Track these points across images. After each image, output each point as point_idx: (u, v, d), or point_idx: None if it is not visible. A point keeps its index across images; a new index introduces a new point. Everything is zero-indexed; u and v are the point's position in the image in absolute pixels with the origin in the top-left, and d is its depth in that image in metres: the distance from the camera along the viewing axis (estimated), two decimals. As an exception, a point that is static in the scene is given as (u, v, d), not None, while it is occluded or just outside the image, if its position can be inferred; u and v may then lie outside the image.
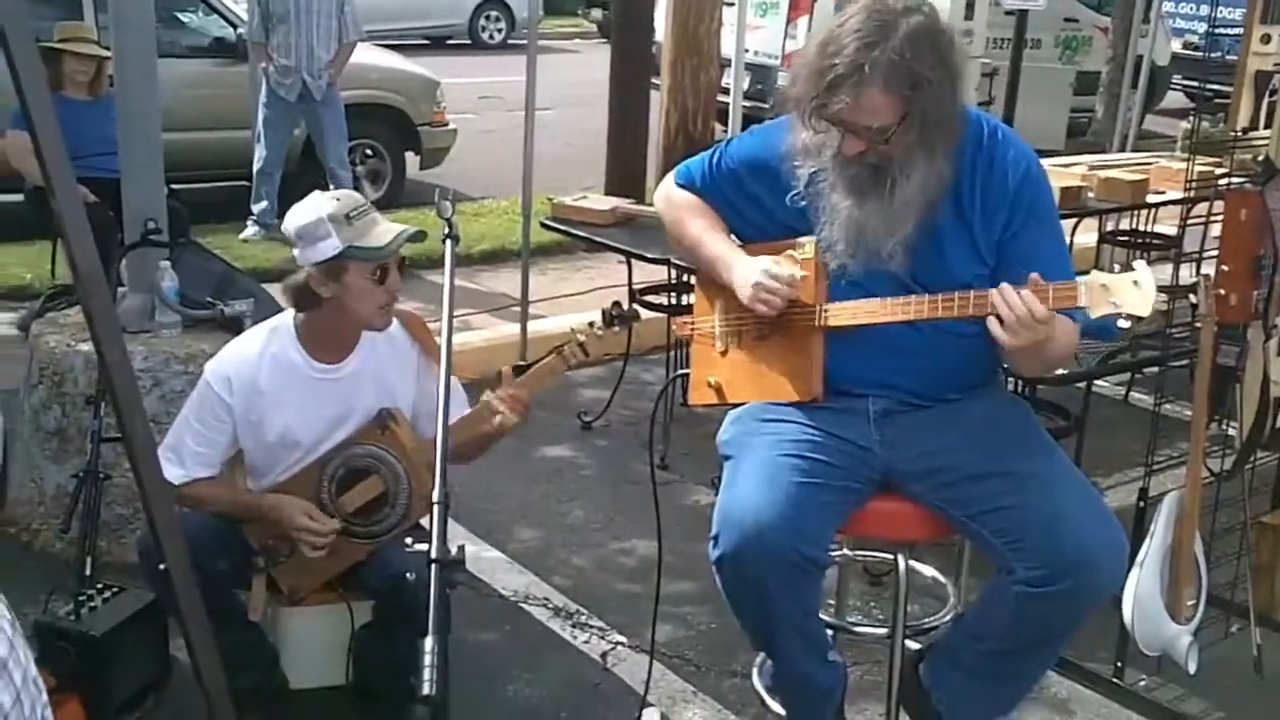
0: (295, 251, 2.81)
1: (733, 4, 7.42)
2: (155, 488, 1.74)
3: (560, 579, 3.90)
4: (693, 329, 2.71)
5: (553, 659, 3.45)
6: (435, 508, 1.82)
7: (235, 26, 8.17)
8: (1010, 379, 3.30)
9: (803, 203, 2.45)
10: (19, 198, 6.15)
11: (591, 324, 2.93)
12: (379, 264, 2.78)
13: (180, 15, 8.24)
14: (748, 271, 2.49)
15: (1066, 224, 3.65)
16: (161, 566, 1.60)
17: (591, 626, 3.62)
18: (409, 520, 2.92)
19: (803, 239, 2.50)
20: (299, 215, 2.79)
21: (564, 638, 3.56)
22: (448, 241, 2.33)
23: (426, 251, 7.22)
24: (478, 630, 3.54)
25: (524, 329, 5.62)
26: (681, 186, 2.70)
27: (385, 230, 2.81)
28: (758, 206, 2.59)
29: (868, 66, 2.22)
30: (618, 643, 3.53)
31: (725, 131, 7.44)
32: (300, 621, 3.09)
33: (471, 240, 7.59)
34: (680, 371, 2.99)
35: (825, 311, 2.47)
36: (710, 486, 4.45)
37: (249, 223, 7.57)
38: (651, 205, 5.46)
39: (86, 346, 3.76)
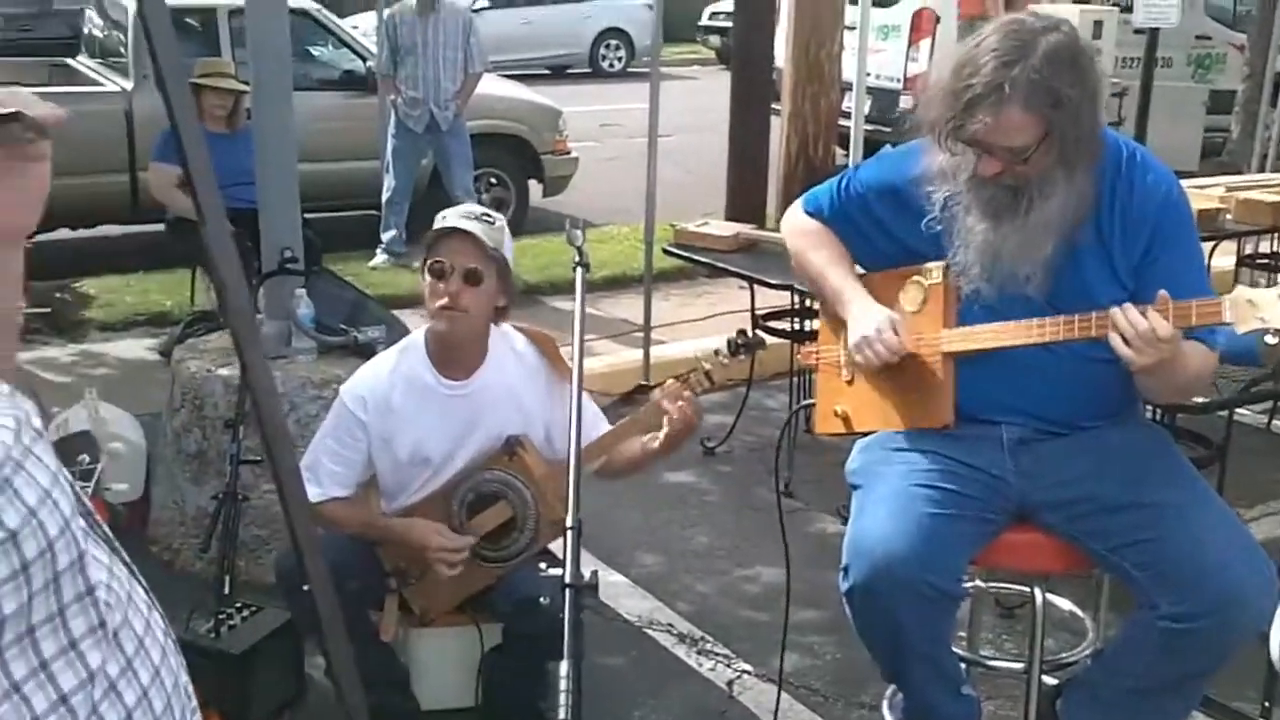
0: None
1: (854, 28, 7.40)
2: (298, 508, 1.78)
3: (684, 605, 3.89)
4: (818, 358, 2.69)
5: (678, 686, 3.45)
6: (569, 533, 1.83)
7: (365, 60, 8.39)
8: (1149, 407, 3.21)
9: (938, 227, 2.42)
10: (161, 227, 6.39)
11: (716, 352, 2.92)
12: (434, 260, 2.83)
13: (312, 49, 8.49)
14: (863, 318, 2.48)
15: (1204, 247, 3.55)
16: (305, 588, 1.62)
17: (716, 654, 3.60)
18: (537, 545, 2.95)
19: (930, 264, 2.47)
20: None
21: (689, 664, 3.55)
22: (579, 269, 2.35)
23: (551, 278, 7.36)
24: (603, 655, 3.55)
25: (646, 354, 5.64)
26: (809, 214, 2.68)
27: (438, 223, 2.87)
28: (887, 233, 2.56)
29: (1007, 85, 2.19)
30: (743, 671, 3.51)
31: (846, 156, 7.40)
32: (431, 643, 3.13)
33: (594, 266, 7.61)
34: (806, 401, 2.97)
35: (953, 337, 2.43)
36: (836, 515, 4.41)
37: (378, 251, 7.75)
38: (774, 230, 5.49)
39: (226, 372, 3.88)
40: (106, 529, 1.10)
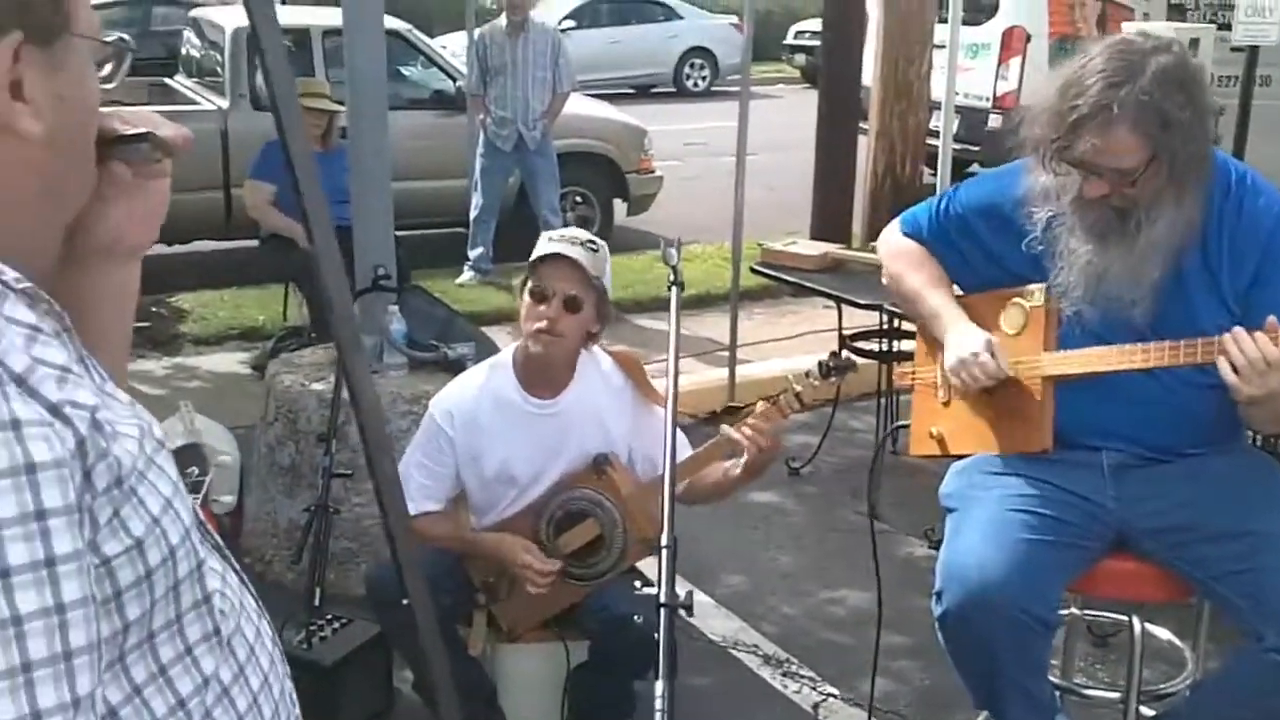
0: None
1: (943, 46, 7.34)
2: (398, 521, 1.79)
3: (769, 626, 3.87)
4: (914, 378, 2.67)
5: (764, 707, 3.42)
6: (664, 551, 1.83)
7: (455, 80, 8.49)
8: (1254, 434, 3.13)
9: (1039, 248, 2.39)
10: (254, 243, 6.52)
11: (807, 374, 2.90)
12: (536, 283, 2.85)
13: (403, 69, 8.62)
14: (961, 341, 2.45)
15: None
16: (404, 601, 1.64)
17: (802, 676, 3.57)
18: (625, 563, 2.95)
19: (1031, 286, 2.44)
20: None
21: (774, 686, 3.53)
22: (674, 288, 2.35)
23: (635, 296, 7.37)
24: (689, 675, 3.52)
25: (732, 374, 5.62)
26: (907, 235, 2.66)
27: (542, 246, 2.89)
28: (986, 254, 2.53)
29: (1115, 106, 2.15)
30: (829, 694, 3.48)
31: (933, 175, 7.34)
32: (518, 658, 3.14)
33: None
34: (899, 423, 2.94)
35: (1054, 360, 2.39)
36: (923, 538, 4.36)
37: (465, 268, 7.82)
38: (861, 250, 5.45)
39: (319, 386, 3.94)
40: (218, 538, 1.12)
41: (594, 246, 2.92)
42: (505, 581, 2.99)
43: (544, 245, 2.90)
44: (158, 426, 1.04)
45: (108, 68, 1.03)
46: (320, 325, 5.71)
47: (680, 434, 3.03)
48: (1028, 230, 2.39)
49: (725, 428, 2.82)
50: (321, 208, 1.65)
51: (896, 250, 2.68)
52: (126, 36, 1.05)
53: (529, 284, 2.87)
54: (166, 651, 0.97)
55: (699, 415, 5.30)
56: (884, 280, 2.75)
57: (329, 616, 3.26)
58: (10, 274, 0.90)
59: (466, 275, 7.79)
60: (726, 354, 5.83)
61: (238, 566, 1.13)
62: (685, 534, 4.37)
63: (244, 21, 8.33)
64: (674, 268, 2.39)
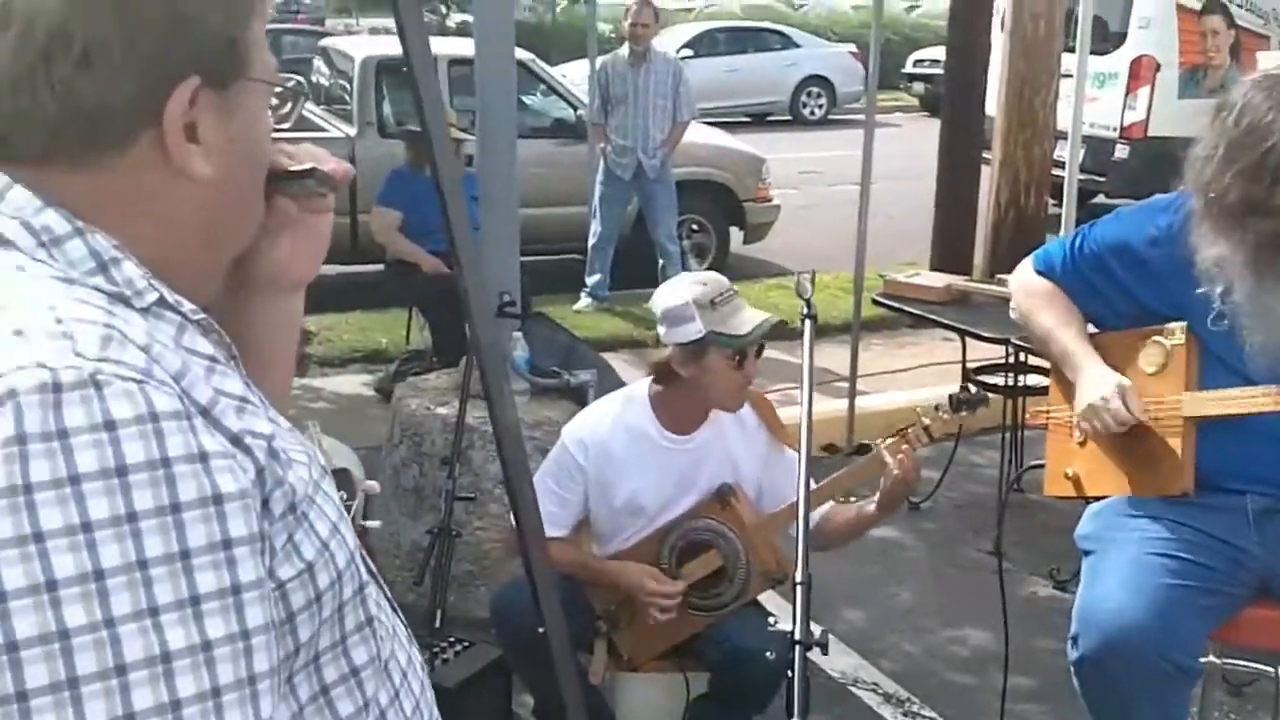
0: (660, 330, 2.91)
1: (1070, 75, 7.21)
2: (536, 547, 1.81)
3: (889, 664, 3.81)
4: (1048, 417, 2.61)
5: (884, 747, 3.37)
6: (798, 588, 1.81)
7: (575, 108, 8.58)
8: None
9: (1224, 323, 2.29)
10: (380, 267, 6.65)
11: (936, 407, 2.87)
12: (739, 350, 2.83)
13: (524, 98, 8.73)
14: (1092, 385, 2.39)
15: None
16: (540, 630, 1.65)
17: (923, 716, 3.51)
18: (746, 596, 2.94)
19: (1172, 324, 2.37)
20: (667, 297, 2.90)
21: (895, 726, 3.48)
22: (807, 321, 2.34)
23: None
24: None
25: (852, 406, 5.55)
26: (1040, 273, 2.61)
27: (748, 318, 2.87)
28: (1124, 293, 2.47)
29: None
30: (952, 735, 3.41)
31: (1058, 206, 7.19)
32: (637, 688, 3.14)
33: (794, 314, 7.59)
34: (1033, 463, 2.88)
35: (1197, 400, 2.32)
36: (1048, 577, 4.26)
37: (583, 294, 7.90)
38: (984, 281, 5.36)
39: (444, 410, 4.00)
40: (371, 564, 1.14)
41: (735, 288, 2.96)
42: (626, 610, 2.99)
43: (734, 323, 2.85)
44: (320, 452, 1.07)
45: (285, 107, 1.06)
46: (442, 349, 5.80)
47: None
48: (1164, 271, 2.32)
49: (879, 446, 2.79)
50: (467, 236, 1.68)
51: (1028, 289, 2.62)
52: (301, 78, 1.08)
53: (720, 351, 2.83)
54: (330, 673, 0.99)
55: (816, 450, 5.25)
56: (1014, 316, 2.70)
57: (451, 639, 3.30)
58: (187, 305, 0.94)
59: (584, 302, 7.86)
60: (844, 385, 5.78)
61: (389, 592, 1.15)
62: (815, 565, 4.34)
63: (373, 51, 8.56)
64: (807, 300, 2.38)
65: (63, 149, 0.89)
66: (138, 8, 0.88)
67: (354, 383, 6.49)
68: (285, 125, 1.07)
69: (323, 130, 8.38)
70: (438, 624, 3.44)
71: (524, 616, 2.97)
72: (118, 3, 0.88)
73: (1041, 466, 2.66)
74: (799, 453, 2.12)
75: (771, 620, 1.91)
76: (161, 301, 0.91)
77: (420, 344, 6.38)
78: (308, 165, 1.09)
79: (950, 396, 2.87)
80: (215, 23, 0.93)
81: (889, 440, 2.84)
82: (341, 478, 3.45)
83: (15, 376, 0.77)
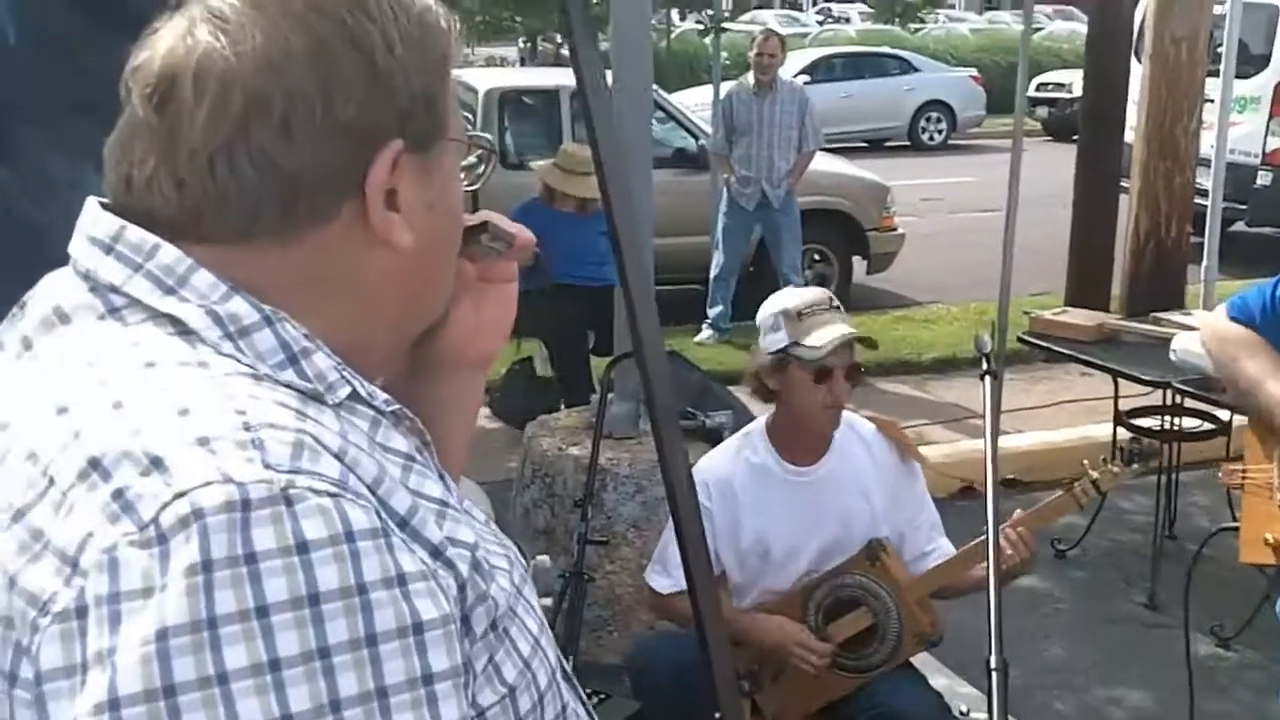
0: (758, 340, 2.85)
1: (1213, 101, 6.92)
2: (710, 613, 1.69)
3: (1042, 726, 3.62)
4: (1244, 478, 2.42)
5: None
6: (994, 675, 1.67)
7: (696, 138, 8.50)
8: None
9: None
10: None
11: (1105, 460, 2.71)
12: (819, 365, 2.72)
13: (647, 128, 8.68)
14: None
15: None
16: (717, 716, 1.53)
17: (1081, 784, 3.31)
18: (898, 657, 2.79)
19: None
20: (765, 305, 2.85)
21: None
22: (986, 379, 2.19)
23: (877, 358, 7.15)
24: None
25: (994, 446, 5.33)
26: (1235, 320, 2.43)
27: (829, 332, 2.74)
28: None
29: None
30: (1113, 807, 3.21)
31: (1198, 237, 6.89)
32: (782, 750, 3.00)
33: (921, 347, 7.45)
34: (1223, 525, 2.70)
35: None
36: (1210, 635, 4.01)
37: (704, 326, 7.78)
38: (1133, 319, 5.12)
39: (577, 450, 3.92)
40: (568, 668, 1.04)
41: (839, 305, 2.84)
42: (770, 669, 2.86)
43: (814, 336, 2.75)
44: (518, 552, 0.97)
45: (479, 167, 0.97)
46: (569, 385, 5.73)
47: (937, 520, 2.88)
48: None
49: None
50: (638, 266, 1.59)
51: (1224, 336, 2.44)
52: (489, 137, 0.99)
53: (800, 364, 2.74)
54: None
55: (952, 491, 5.04)
56: (1208, 364, 2.52)
57: (588, 691, 3.19)
58: (380, 396, 0.85)
59: (705, 334, 7.75)
60: (978, 422, 5.56)
61: (584, 697, 1.04)
62: (952, 618, 4.18)
63: (496, 83, 8.60)
64: (987, 356, 2.23)
65: (262, 226, 0.81)
66: (336, 68, 0.80)
67: (480, 416, 6.44)
68: (475, 186, 0.97)
69: (446, 161, 8.43)
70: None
71: (664, 672, 2.88)
72: (316, 64, 0.80)
73: (1234, 529, 2.47)
74: (989, 520, 1.97)
75: (962, 710, 1.75)
76: (355, 396, 0.82)
77: (543, 372, 6.32)
78: (480, 220, 0.99)
79: (1121, 449, 2.72)
80: (415, 81, 0.84)
81: (1055, 498, 2.68)
82: None
83: (201, 494, 0.68)
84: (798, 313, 2.75)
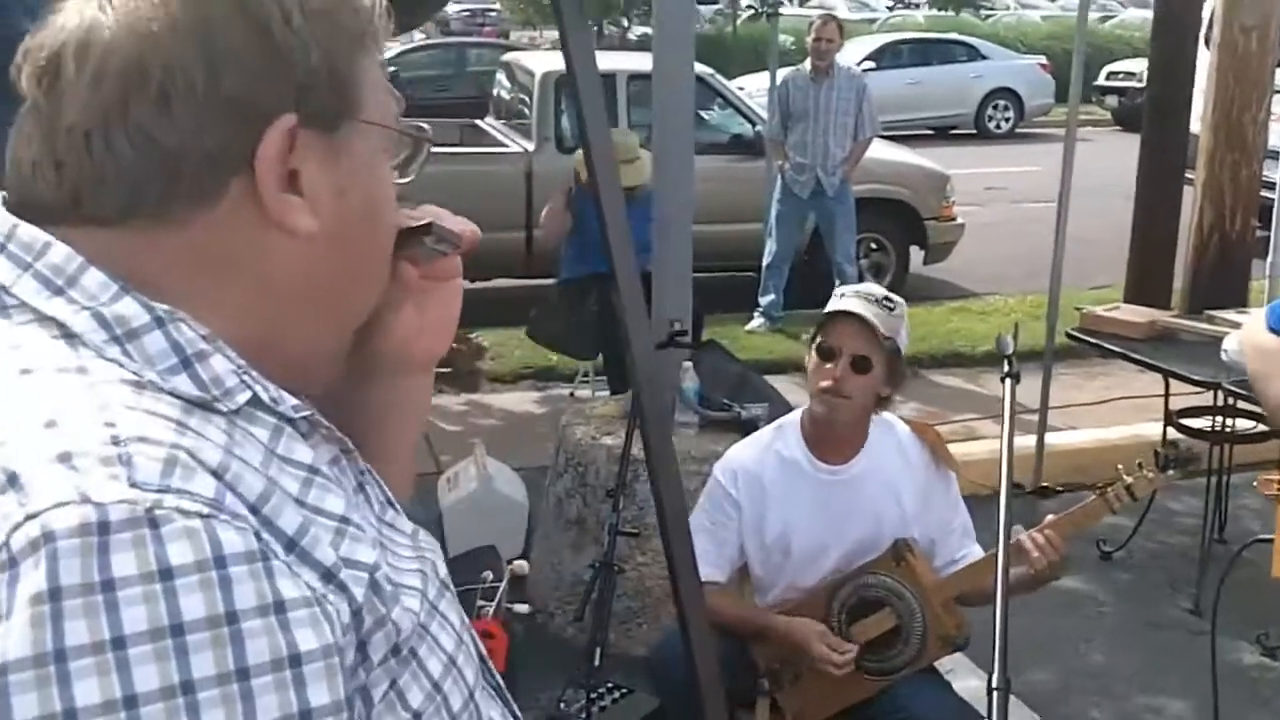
0: None
1: (1280, 91, 6.74)
2: (691, 597, 1.66)
3: (1077, 731, 3.54)
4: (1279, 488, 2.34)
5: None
6: (994, 695, 1.61)
7: (753, 124, 8.42)
8: None
9: None
10: (552, 282, 6.59)
11: (1140, 465, 2.62)
12: (824, 340, 2.70)
13: (702, 114, 8.61)
14: None
15: None
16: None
17: (1114, 793, 3.24)
18: (922, 661, 2.73)
19: None
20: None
21: (1082, 802, 3.21)
22: (1007, 380, 2.13)
23: (930, 350, 7.07)
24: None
25: (1040, 444, 5.22)
26: (1275, 331, 2.33)
27: (832, 304, 2.75)
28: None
29: None
30: (1147, 818, 3.13)
31: (1266, 232, 6.70)
32: (803, 751, 2.96)
33: (975, 340, 7.33)
34: (1259, 536, 2.61)
35: None
36: (1255, 643, 3.91)
37: (755, 315, 7.72)
38: (1190, 316, 4.99)
39: (610, 440, 3.89)
40: (499, 678, 1.00)
41: (890, 305, 2.75)
42: (791, 669, 2.82)
43: (836, 301, 2.74)
44: (441, 561, 0.93)
45: (407, 156, 0.92)
46: (613, 373, 5.71)
47: (969, 523, 2.82)
48: None
49: (1020, 535, 2.56)
50: (627, 257, 1.55)
51: (1263, 348, 2.34)
52: (425, 125, 0.94)
53: (818, 340, 2.72)
54: None
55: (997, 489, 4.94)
56: (1250, 377, 2.43)
57: (609, 685, 3.18)
58: (289, 401, 0.80)
59: (756, 322, 7.69)
60: (1029, 417, 5.45)
61: (516, 710, 1.01)
62: (983, 620, 4.10)
63: (554, 65, 8.55)
64: (1009, 358, 2.16)
65: (143, 206, 0.76)
66: (223, 39, 0.76)
67: (524, 400, 6.46)
68: (406, 179, 0.93)
69: (502, 145, 8.43)
70: (597, 662, 3.32)
71: (683, 670, 2.84)
72: (200, 35, 0.76)
73: (1268, 540, 2.38)
74: (1000, 525, 1.91)
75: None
76: (255, 401, 0.78)
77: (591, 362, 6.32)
78: (424, 220, 0.94)
79: (1156, 453, 2.63)
80: (317, 55, 0.79)
81: (1087, 503, 2.61)
82: (486, 555, 3.37)
83: (53, 515, 0.64)
84: (840, 295, 2.74)
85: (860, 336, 2.69)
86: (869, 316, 2.68)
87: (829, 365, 2.70)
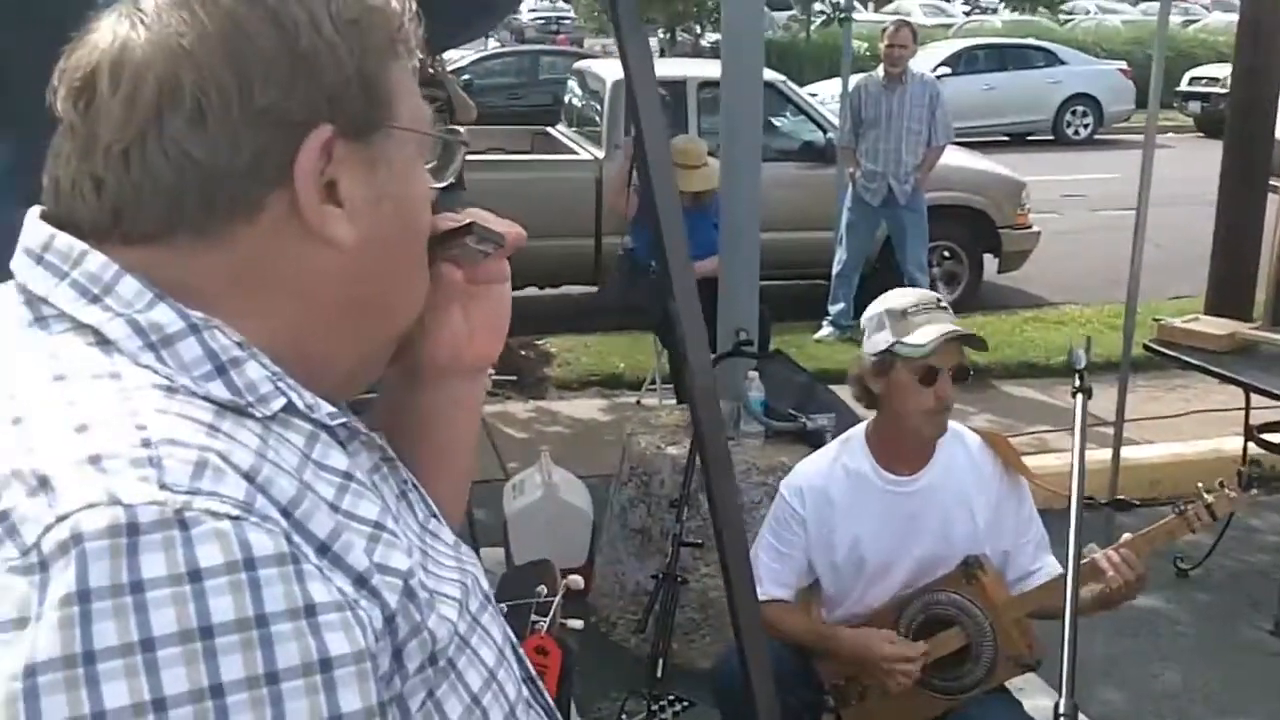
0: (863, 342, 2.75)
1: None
2: (747, 611, 1.64)
3: (1151, 755, 3.44)
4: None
5: None
6: (1061, 719, 1.56)
7: (825, 131, 8.35)
8: None
9: None
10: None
11: (1222, 484, 2.54)
12: (924, 364, 2.59)
13: (774, 120, 8.56)
14: None
15: None
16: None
17: (1188, 820, 3.14)
18: (991, 681, 2.67)
19: None
20: (870, 306, 2.74)
21: (1157, 828, 3.12)
22: (1079, 395, 2.07)
23: (1002, 360, 6.95)
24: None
25: (1116, 457, 5.09)
26: None
27: (934, 329, 2.60)
28: None
29: None
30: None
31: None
32: (868, 769, 2.91)
33: (1050, 351, 7.20)
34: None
35: None
36: (1340, 667, 3.78)
37: (824, 323, 7.66)
38: (1270, 328, 4.84)
39: (675, 450, 3.86)
40: (548, 698, 0.98)
41: (945, 303, 2.71)
42: (856, 687, 2.77)
43: (912, 323, 2.64)
44: (483, 575, 0.92)
45: (442, 162, 0.91)
46: (679, 382, 5.68)
47: (1044, 535, 2.75)
48: None
49: (1095, 554, 2.49)
50: (685, 269, 1.53)
51: None
52: (459, 129, 0.93)
53: (919, 368, 2.63)
54: None
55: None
56: None
57: (671, 697, 3.15)
58: (325, 409, 0.80)
59: (825, 331, 7.62)
60: (1104, 430, 5.32)
61: None
62: (1054, 638, 4.02)
63: (623, 74, 8.54)
64: (1080, 373, 2.10)
65: (183, 222, 0.76)
66: (254, 51, 0.76)
67: (590, 407, 6.45)
68: (442, 184, 0.91)
69: (573, 152, 8.45)
70: (659, 674, 3.30)
71: (744, 686, 2.80)
72: (232, 48, 0.75)
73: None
74: (1070, 545, 1.86)
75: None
76: (290, 408, 0.77)
77: (658, 371, 6.30)
78: (465, 221, 0.93)
79: (1239, 472, 2.54)
80: (348, 63, 0.79)
81: (1165, 521, 2.53)
82: (541, 570, 3.35)
83: (83, 517, 0.63)
84: (902, 311, 2.64)
85: (954, 349, 2.64)
86: (955, 326, 2.64)
87: (931, 387, 2.63)
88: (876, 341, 2.65)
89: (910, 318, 2.63)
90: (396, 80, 0.83)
